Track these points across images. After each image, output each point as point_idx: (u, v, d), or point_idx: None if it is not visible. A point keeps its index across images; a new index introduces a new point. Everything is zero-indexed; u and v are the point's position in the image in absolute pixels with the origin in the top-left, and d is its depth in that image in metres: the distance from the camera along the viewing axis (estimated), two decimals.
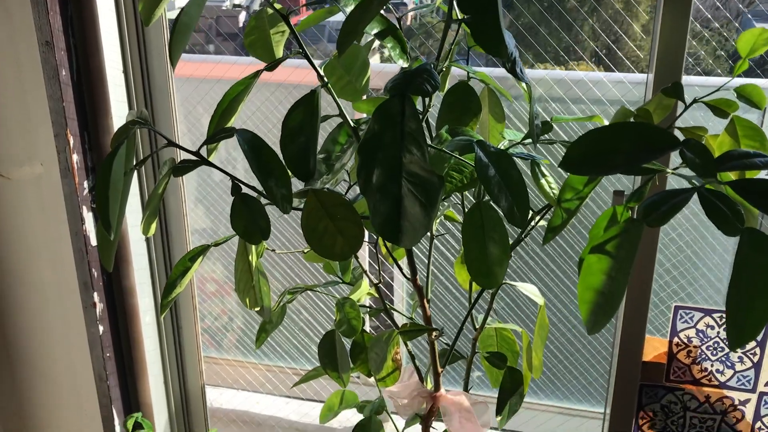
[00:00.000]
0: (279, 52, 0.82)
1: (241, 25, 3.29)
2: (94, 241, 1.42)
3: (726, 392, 1.15)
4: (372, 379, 0.93)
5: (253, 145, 0.61)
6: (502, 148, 0.83)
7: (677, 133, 0.86)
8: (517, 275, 1.75)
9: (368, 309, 0.95)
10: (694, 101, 0.83)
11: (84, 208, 1.39)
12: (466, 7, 0.63)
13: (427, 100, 0.81)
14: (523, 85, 0.79)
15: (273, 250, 0.93)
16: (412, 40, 1.96)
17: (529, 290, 0.89)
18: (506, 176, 0.67)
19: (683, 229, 1.60)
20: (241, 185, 0.64)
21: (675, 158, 0.65)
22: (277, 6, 0.75)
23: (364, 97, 0.82)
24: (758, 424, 1.15)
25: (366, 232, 0.69)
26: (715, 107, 0.81)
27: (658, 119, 0.85)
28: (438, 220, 0.96)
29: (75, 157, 1.35)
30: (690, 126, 0.86)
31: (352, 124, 0.78)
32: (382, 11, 0.72)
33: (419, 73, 0.64)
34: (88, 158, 1.38)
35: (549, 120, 0.87)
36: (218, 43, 2.36)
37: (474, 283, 0.94)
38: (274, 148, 0.66)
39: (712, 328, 1.13)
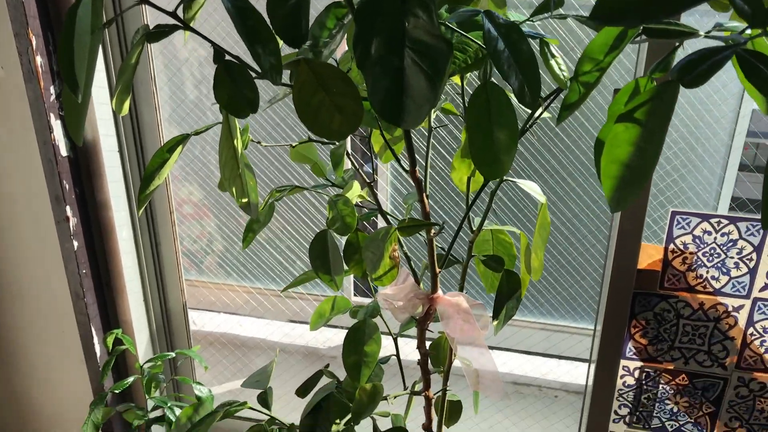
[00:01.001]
0: None
1: None
2: (64, 151, 1.34)
3: (720, 299, 1.14)
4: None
5: (238, 7, 0.54)
6: None
7: None
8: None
9: (361, 209, 0.90)
10: None
11: (52, 115, 1.30)
12: None
13: None
14: None
15: (258, 142, 0.87)
16: None
17: (531, 187, 0.85)
18: (516, 51, 0.62)
19: (679, 135, 1.57)
20: (225, 53, 0.57)
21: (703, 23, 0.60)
22: None
23: None
24: (750, 330, 1.15)
25: None
26: None
27: None
28: (435, 114, 0.90)
29: (39, 60, 1.26)
30: None
31: None
32: None
33: None
34: (53, 61, 1.29)
35: None
36: None
37: (472, 184, 0.89)
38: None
39: (710, 234, 1.10)
